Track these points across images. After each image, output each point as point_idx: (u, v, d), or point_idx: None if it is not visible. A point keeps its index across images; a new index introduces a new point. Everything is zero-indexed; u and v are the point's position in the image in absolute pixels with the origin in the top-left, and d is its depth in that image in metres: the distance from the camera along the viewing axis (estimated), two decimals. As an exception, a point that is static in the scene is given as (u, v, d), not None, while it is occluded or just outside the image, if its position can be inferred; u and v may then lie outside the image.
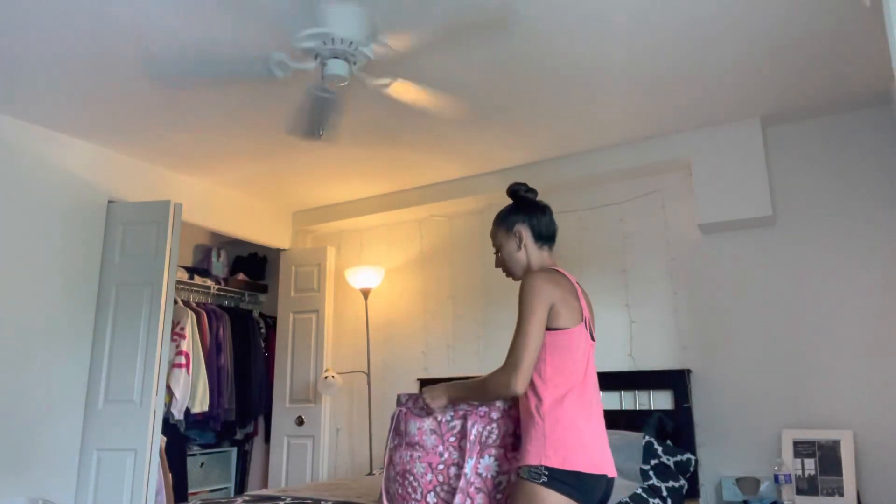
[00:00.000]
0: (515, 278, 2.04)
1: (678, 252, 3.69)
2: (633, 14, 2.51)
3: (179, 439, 4.28)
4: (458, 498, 1.74)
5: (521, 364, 1.74)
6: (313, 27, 2.44)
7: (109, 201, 3.77)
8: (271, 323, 5.19)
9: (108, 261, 3.73)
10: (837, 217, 3.32)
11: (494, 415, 1.85)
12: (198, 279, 4.80)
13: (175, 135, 3.59)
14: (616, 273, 3.85)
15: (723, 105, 3.29)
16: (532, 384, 1.78)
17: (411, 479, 1.84)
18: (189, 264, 5.15)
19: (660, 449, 3.20)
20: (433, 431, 1.86)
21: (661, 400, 3.56)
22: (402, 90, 2.98)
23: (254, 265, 5.40)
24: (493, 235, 2.08)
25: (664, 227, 3.76)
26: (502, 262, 2.06)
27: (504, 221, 2.05)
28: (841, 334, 3.21)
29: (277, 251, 5.16)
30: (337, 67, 2.47)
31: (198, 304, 4.74)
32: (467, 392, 1.85)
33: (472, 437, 1.81)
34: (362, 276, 4.41)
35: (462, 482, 1.76)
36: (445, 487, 1.79)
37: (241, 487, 5.00)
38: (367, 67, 2.73)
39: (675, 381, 3.47)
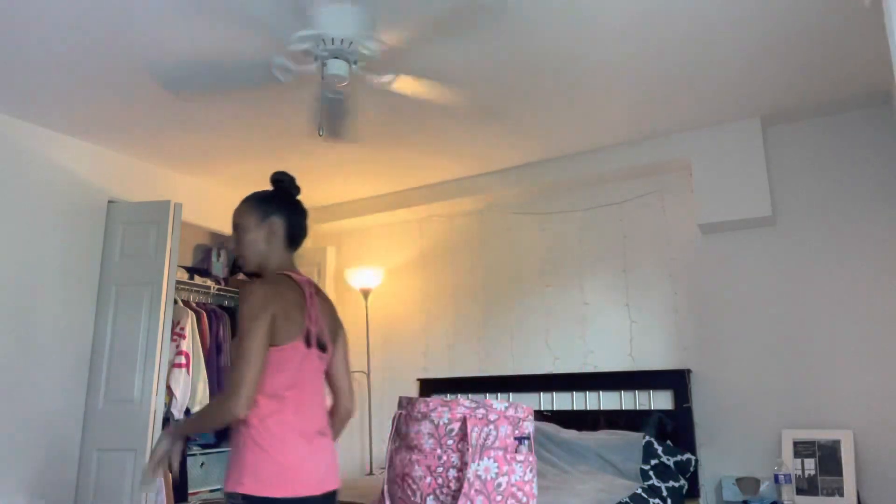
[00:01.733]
0: (246, 269, 1.87)
1: (678, 252, 3.69)
2: (634, 14, 2.50)
3: (179, 439, 4.27)
4: (461, 502, 1.74)
5: (241, 385, 1.58)
6: (308, 29, 2.44)
7: (109, 201, 3.77)
8: (271, 323, 5.18)
9: (108, 261, 3.73)
10: (837, 217, 3.32)
11: (492, 416, 1.85)
12: (198, 279, 4.79)
13: (175, 135, 3.59)
14: (616, 273, 3.85)
15: (723, 105, 3.29)
16: None
17: (410, 481, 1.84)
18: (189, 264, 5.14)
19: (660, 449, 3.20)
20: (431, 434, 1.86)
21: (661, 400, 3.56)
22: (405, 85, 2.97)
23: (254, 265, 5.38)
24: (240, 214, 1.86)
25: (664, 227, 3.76)
26: (239, 247, 1.85)
27: (258, 207, 1.85)
28: (841, 334, 3.21)
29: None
30: (336, 68, 2.47)
31: (198, 304, 4.74)
32: (194, 425, 1.74)
33: (472, 441, 1.81)
34: (362, 276, 4.41)
35: (465, 486, 1.76)
36: (445, 490, 1.79)
37: None
38: (369, 66, 2.73)
39: (675, 381, 3.47)
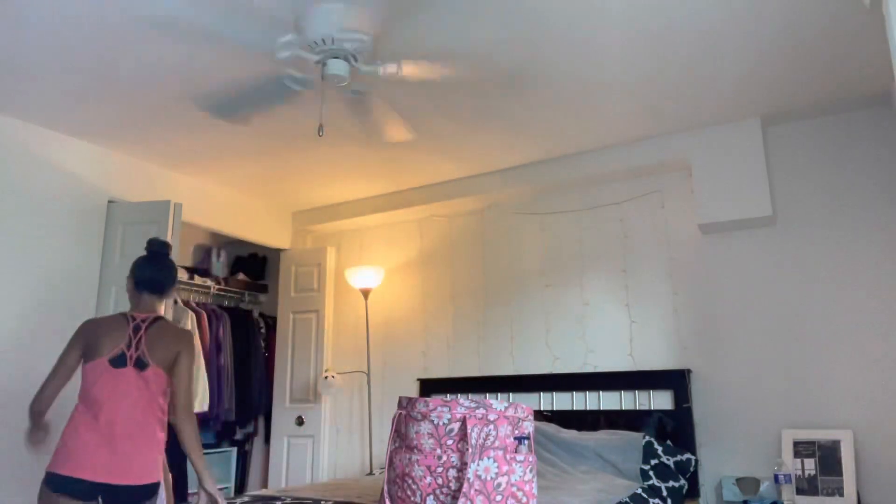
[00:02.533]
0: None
1: (678, 252, 3.69)
2: (634, 14, 2.51)
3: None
4: (461, 502, 1.74)
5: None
6: (293, 34, 2.45)
7: (109, 201, 3.78)
8: (271, 323, 5.20)
9: (108, 261, 3.73)
10: (837, 217, 3.32)
11: (492, 416, 1.85)
12: (198, 279, 4.80)
13: (175, 135, 3.59)
14: (616, 273, 3.85)
15: (723, 105, 3.29)
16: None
17: (410, 481, 1.84)
18: (189, 264, 5.15)
19: (660, 449, 3.20)
20: (431, 435, 1.86)
21: (661, 400, 3.56)
22: (413, 70, 2.96)
23: (254, 265, 5.40)
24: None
25: (664, 227, 3.76)
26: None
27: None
28: (841, 334, 3.21)
29: (277, 251, 5.16)
30: (336, 67, 2.47)
31: (198, 304, 4.74)
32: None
33: (472, 441, 1.81)
34: (362, 276, 4.41)
35: (465, 486, 1.76)
36: (444, 490, 1.79)
37: (241, 487, 5.00)
38: (372, 59, 2.72)
39: (675, 381, 3.47)
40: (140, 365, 2.29)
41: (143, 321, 2.37)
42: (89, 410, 2.23)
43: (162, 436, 2.33)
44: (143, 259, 2.47)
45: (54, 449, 2.21)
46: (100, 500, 2.14)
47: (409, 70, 2.89)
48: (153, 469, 2.25)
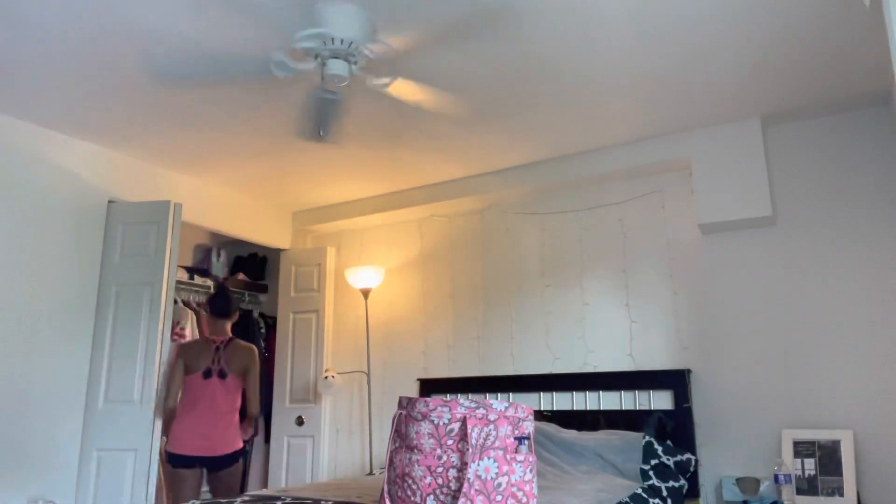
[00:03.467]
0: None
1: (678, 252, 3.69)
2: (633, 14, 2.51)
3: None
4: (461, 502, 1.74)
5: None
6: (312, 27, 2.44)
7: (109, 201, 3.78)
8: (271, 323, 5.19)
9: (108, 261, 3.73)
10: (837, 217, 3.32)
11: (492, 416, 1.85)
12: (198, 279, 4.80)
13: (175, 135, 3.59)
14: (616, 273, 3.85)
15: (723, 105, 3.29)
16: None
17: (410, 481, 1.84)
18: (189, 264, 5.15)
19: (660, 449, 3.20)
20: (431, 435, 1.86)
21: (661, 400, 3.56)
22: (402, 89, 2.99)
23: (254, 265, 5.40)
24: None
25: (664, 227, 3.76)
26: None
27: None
28: (841, 334, 3.21)
29: (277, 251, 5.15)
30: (337, 67, 2.47)
31: (198, 304, 4.74)
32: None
33: (472, 441, 1.81)
34: (362, 276, 4.41)
35: (465, 486, 1.76)
36: (445, 490, 1.79)
37: (241, 487, 4.99)
38: (367, 67, 2.73)
39: (675, 381, 3.48)
40: (222, 375, 3.40)
41: (221, 343, 3.48)
42: (190, 408, 3.32)
43: (237, 419, 3.47)
44: (212, 295, 3.60)
45: (169, 436, 3.32)
46: (204, 470, 3.34)
47: (399, 88, 2.91)
48: (234, 442, 3.41)
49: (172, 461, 3.27)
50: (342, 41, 2.44)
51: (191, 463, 3.27)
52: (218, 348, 3.44)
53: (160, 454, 3.23)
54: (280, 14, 2.46)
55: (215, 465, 3.32)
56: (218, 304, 3.57)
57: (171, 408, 3.40)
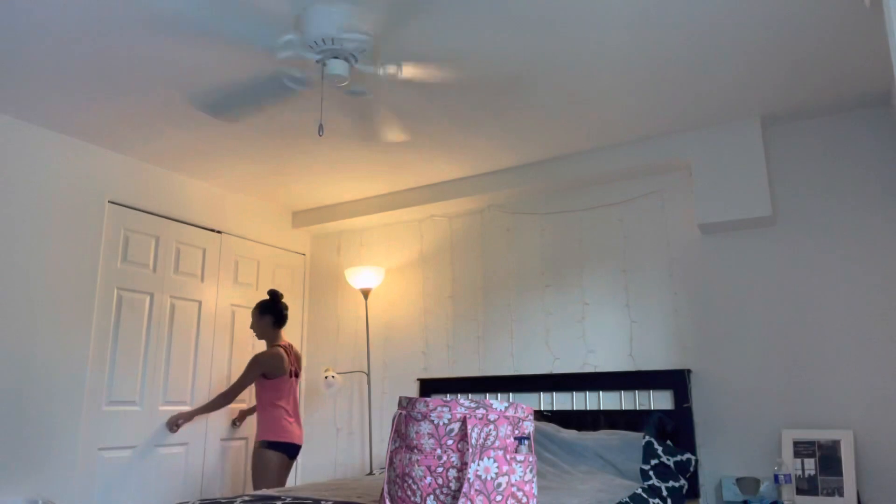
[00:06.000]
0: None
1: (678, 252, 3.69)
2: (633, 14, 2.51)
3: (180, 439, 4.31)
4: (461, 502, 1.74)
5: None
6: (293, 34, 2.45)
7: (109, 201, 3.77)
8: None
9: (108, 261, 3.73)
10: (837, 217, 3.32)
11: (492, 416, 1.85)
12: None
13: (175, 135, 3.59)
14: (616, 273, 3.85)
15: (723, 105, 3.29)
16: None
17: (410, 481, 1.84)
18: (189, 264, 5.14)
19: (660, 449, 3.20)
20: (431, 435, 1.86)
21: (661, 400, 3.56)
22: (413, 72, 2.97)
23: (254, 265, 5.39)
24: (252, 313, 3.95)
25: (664, 227, 3.76)
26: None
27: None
28: (841, 334, 3.21)
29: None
30: (336, 67, 2.47)
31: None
32: None
33: (472, 441, 1.81)
34: (362, 276, 4.41)
35: (465, 486, 1.76)
36: (445, 490, 1.79)
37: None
38: (372, 60, 2.72)
39: (675, 381, 3.48)
40: (296, 375, 3.83)
41: (289, 348, 3.83)
42: (286, 404, 3.72)
43: None
44: (276, 304, 3.85)
45: (268, 426, 3.63)
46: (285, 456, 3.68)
47: (410, 72, 2.89)
48: None
49: (290, 451, 3.66)
50: (325, 40, 2.42)
51: (292, 451, 3.71)
52: (288, 353, 3.82)
53: (256, 444, 3.59)
54: (259, 33, 2.46)
55: (297, 453, 3.78)
56: (284, 313, 3.90)
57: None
